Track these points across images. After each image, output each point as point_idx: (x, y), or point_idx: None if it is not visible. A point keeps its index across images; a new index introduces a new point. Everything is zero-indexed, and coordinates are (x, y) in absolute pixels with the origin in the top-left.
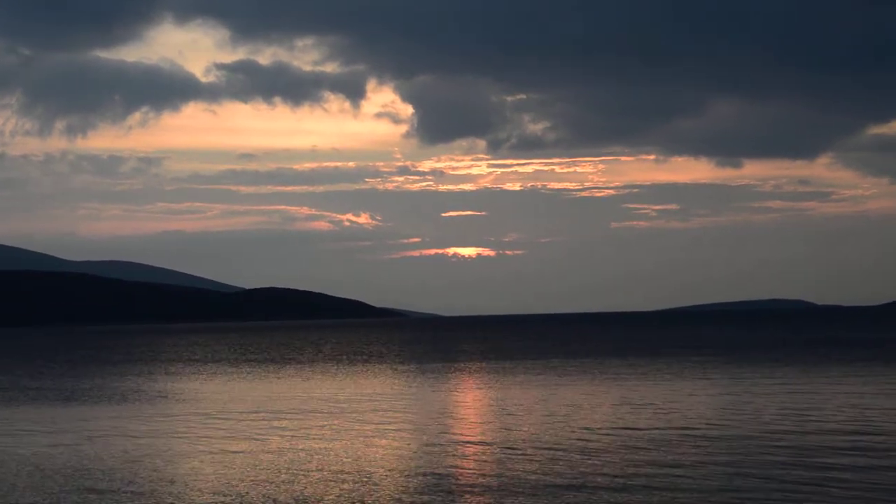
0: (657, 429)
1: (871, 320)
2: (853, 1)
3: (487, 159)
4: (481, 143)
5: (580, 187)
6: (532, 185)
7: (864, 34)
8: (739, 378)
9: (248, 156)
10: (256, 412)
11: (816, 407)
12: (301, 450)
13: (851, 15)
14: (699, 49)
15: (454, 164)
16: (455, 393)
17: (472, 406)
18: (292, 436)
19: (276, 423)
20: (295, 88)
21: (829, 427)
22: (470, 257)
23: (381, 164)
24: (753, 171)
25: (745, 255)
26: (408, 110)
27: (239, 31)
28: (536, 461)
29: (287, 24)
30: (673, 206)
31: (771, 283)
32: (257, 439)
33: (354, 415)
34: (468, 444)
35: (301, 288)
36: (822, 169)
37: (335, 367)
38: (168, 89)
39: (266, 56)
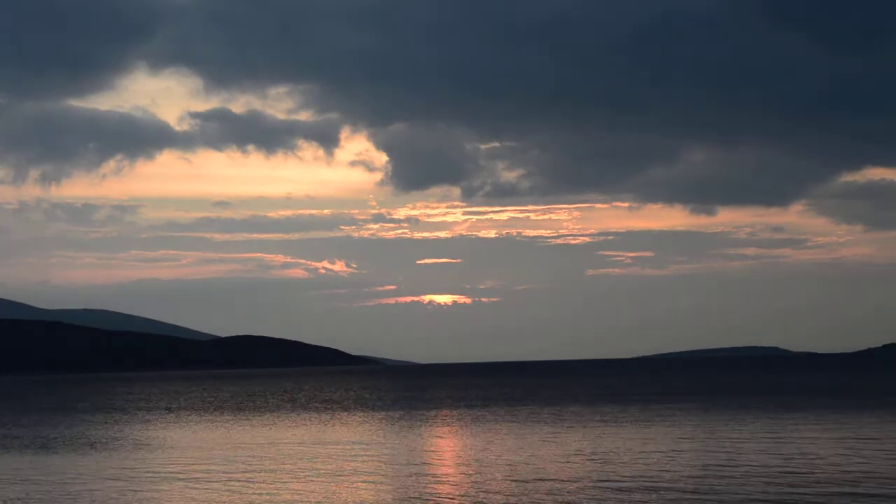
0: (615, 480)
1: (845, 368)
2: (826, 49)
3: (462, 207)
4: (456, 191)
5: (555, 234)
6: (507, 233)
7: (836, 82)
8: (705, 426)
9: (222, 203)
10: (228, 459)
11: (761, 452)
12: (272, 496)
13: (824, 63)
14: (673, 96)
15: (429, 211)
16: (426, 440)
17: (442, 454)
18: (263, 482)
19: (247, 470)
20: (269, 136)
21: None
22: (446, 305)
23: (356, 211)
24: (728, 218)
25: (720, 302)
26: (382, 158)
27: (212, 80)
28: None
29: (260, 72)
30: (648, 254)
31: (745, 330)
32: (228, 487)
33: (326, 461)
34: (436, 493)
35: (276, 336)
36: (795, 216)
37: (308, 415)
38: (142, 137)
39: (239, 104)
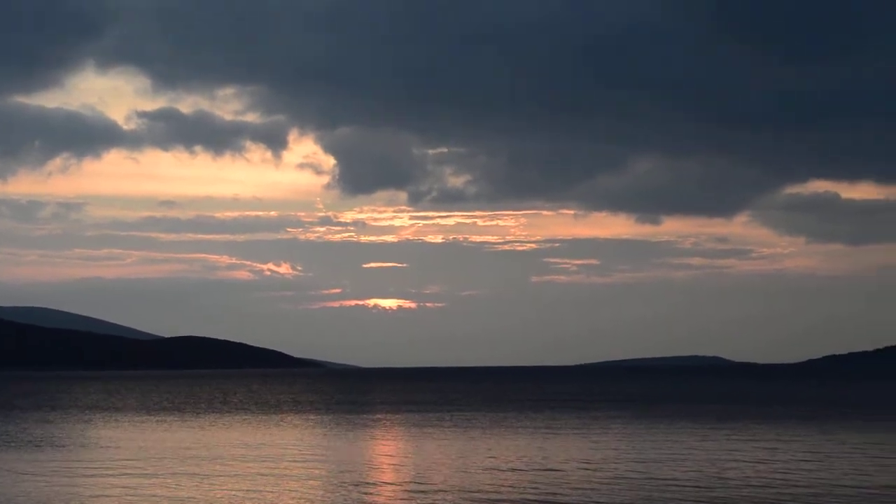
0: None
1: (786, 378)
2: (773, 60)
3: (409, 211)
4: (403, 196)
5: (501, 241)
6: (454, 238)
7: (782, 93)
8: (636, 433)
9: (168, 203)
10: (166, 459)
11: (679, 457)
12: (209, 495)
13: (771, 74)
14: (621, 106)
15: (376, 215)
16: (361, 444)
17: (377, 458)
18: (201, 482)
19: (185, 470)
20: (216, 137)
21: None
22: (390, 309)
23: (303, 214)
24: (673, 227)
25: (664, 311)
26: (330, 161)
27: (160, 80)
28: None
29: (208, 72)
30: (593, 261)
31: (688, 339)
32: (167, 486)
33: (261, 463)
34: (366, 498)
35: (220, 337)
36: (740, 227)
37: (245, 417)
38: (89, 136)
39: (187, 104)
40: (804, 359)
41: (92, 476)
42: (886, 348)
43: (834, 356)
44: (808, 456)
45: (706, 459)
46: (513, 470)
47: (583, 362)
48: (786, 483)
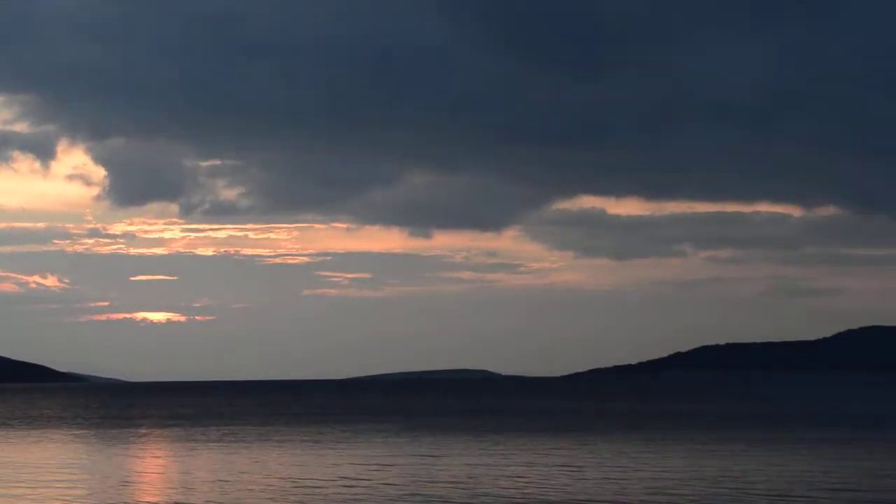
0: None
1: (550, 391)
2: (547, 79)
3: (181, 224)
4: (174, 208)
5: (273, 254)
6: (225, 251)
7: (552, 109)
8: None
9: None
10: None
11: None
12: None
13: (545, 92)
14: (395, 120)
15: (146, 227)
16: (127, 458)
17: (143, 472)
18: None
19: None
20: None
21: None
22: (159, 322)
23: (72, 225)
24: (444, 241)
25: (435, 324)
26: (100, 172)
27: None
28: None
29: None
30: (365, 275)
31: (458, 352)
32: None
33: (20, 481)
34: None
35: None
36: (509, 241)
37: (4, 432)
38: None
39: None
40: (570, 372)
41: None
42: (649, 361)
43: (598, 370)
44: (563, 469)
45: (467, 474)
46: (273, 484)
47: (354, 375)
48: (541, 497)
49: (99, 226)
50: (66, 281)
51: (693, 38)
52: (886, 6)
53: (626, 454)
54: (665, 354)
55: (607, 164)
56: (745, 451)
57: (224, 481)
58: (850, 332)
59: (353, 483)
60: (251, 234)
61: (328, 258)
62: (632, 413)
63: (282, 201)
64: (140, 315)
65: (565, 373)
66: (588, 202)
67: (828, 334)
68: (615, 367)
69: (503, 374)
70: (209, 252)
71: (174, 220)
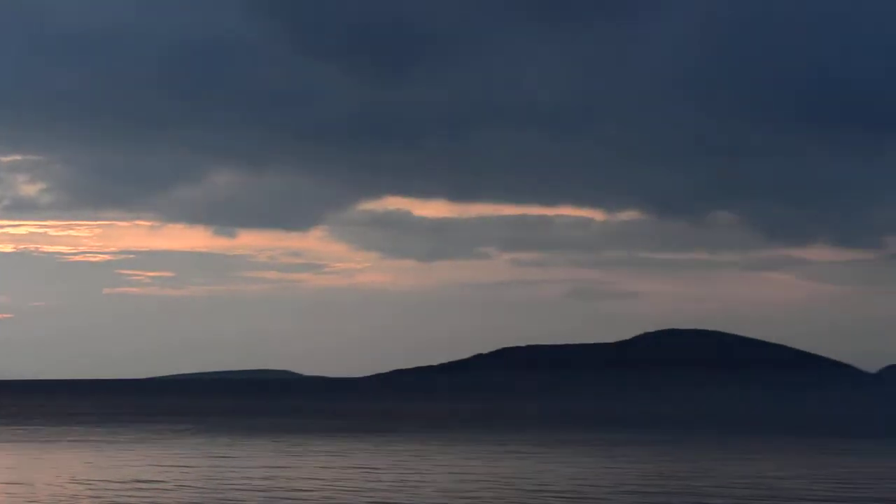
0: None
1: (353, 392)
2: (354, 80)
3: None
4: None
5: (74, 251)
6: (24, 248)
7: (362, 112)
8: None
9: None
10: None
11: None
12: None
13: (351, 93)
14: (203, 118)
15: None
16: None
17: None
18: None
19: None
20: None
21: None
22: None
23: None
24: (248, 241)
25: (237, 324)
26: None
27: None
28: None
29: None
30: (168, 274)
31: (261, 352)
32: None
33: None
34: None
35: None
36: (314, 241)
37: None
38: None
39: None
40: (373, 373)
41: None
42: (451, 363)
43: (401, 370)
44: (359, 470)
45: (263, 475)
46: (65, 487)
47: (154, 375)
48: (335, 500)
49: None
50: None
51: (499, 41)
52: (688, 14)
53: (424, 456)
54: (467, 356)
55: (413, 165)
56: (543, 451)
57: (13, 484)
58: (647, 334)
59: (148, 485)
60: (51, 231)
61: (131, 256)
62: (431, 414)
63: (84, 198)
64: None
65: (368, 373)
66: (394, 203)
67: (627, 336)
68: (417, 368)
69: (306, 374)
70: (8, 249)
71: None
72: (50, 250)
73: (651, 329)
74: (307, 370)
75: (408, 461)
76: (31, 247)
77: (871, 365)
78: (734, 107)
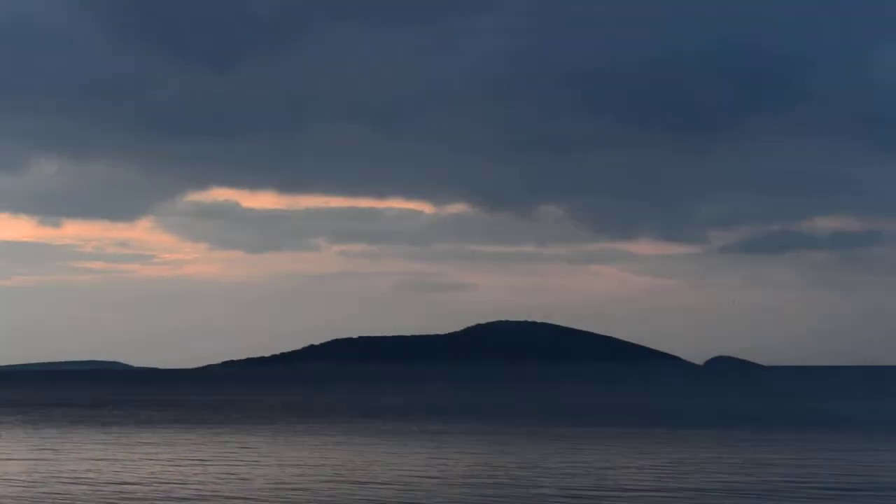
0: None
1: (184, 383)
2: (180, 69)
3: None
4: None
5: None
6: None
7: (188, 102)
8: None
9: None
10: None
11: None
12: None
13: (178, 83)
14: (24, 106)
15: None
16: None
17: None
18: None
19: None
20: None
21: None
22: None
23: None
24: (74, 231)
25: (65, 315)
26: None
27: None
28: None
29: None
30: None
31: (90, 343)
32: None
33: None
34: None
35: None
36: (142, 232)
37: None
38: None
39: None
40: (204, 364)
41: None
42: (283, 354)
43: (232, 361)
44: (188, 462)
45: (88, 468)
46: None
47: None
48: (156, 493)
49: None
50: None
51: (331, 34)
52: (518, 9)
53: (252, 447)
54: (299, 347)
55: (242, 157)
56: (372, 442)
57: None
58: (478, 325)
59: None
60: None
61: None
62: (262, 405)
63: None
64: None
65: (199, 364)
66: (222, 195)
67: (458, 328)
68: (248, 359)
69: (135, 365)
70: None
71: None
72: None
73: (482, 321)
74: (137, 361)
75: (236, 452)
76: None
77: (698, 357)
78: (563, 101)
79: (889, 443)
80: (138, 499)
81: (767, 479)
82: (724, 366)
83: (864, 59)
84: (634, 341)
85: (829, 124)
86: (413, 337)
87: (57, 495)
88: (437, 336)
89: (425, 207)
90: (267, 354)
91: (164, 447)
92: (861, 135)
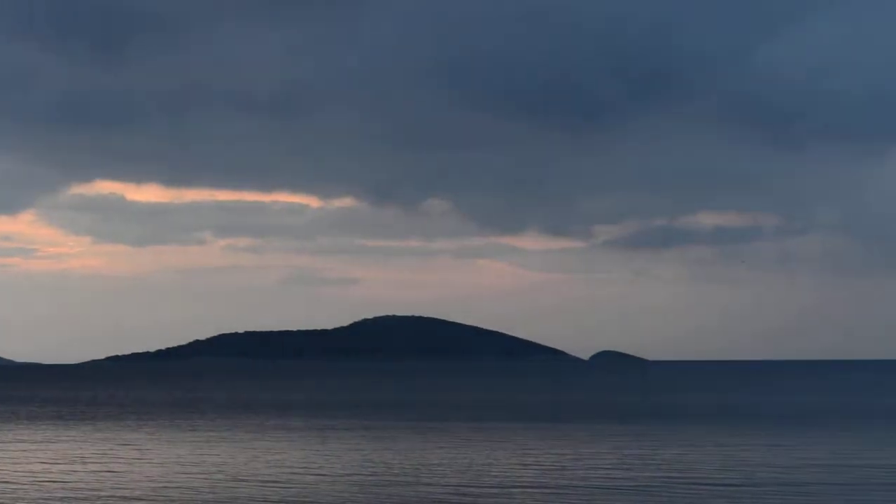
0: None
1: (67, 378)
2: (64, 61)
3: None
4: None
5: None
6: None
7: (72, 94)
8: None
9: None
10: None
11: None
12: None
13: (62, 75)
14: None
15: None
16: None
17: None
18: None
19: None
20: None
21: None
22: None
23: None
24: None
25: None
26: None
27: None
28: None
29: None
30: None
31: None
32: None
33: None
34: None
35: None
36: (25, 225)
37: None
38: None
39: None
40: (88, 359)
41: None
42: (168, 349)
43: (117, 356)
44: (66, 460)
45: None
46: None
47: None
48: (24, 492)
49: None
50: None
51: (216, 27)
52: (416, 3)
53: (133, 444)
54: (184, 342)
55: (126, 150)
56: (254, 439)
57: None
58: (366, 320)
59: None
60: None
61: None
62: (144, 402)
63: None
64: None
65: (83, 360)
66: (106, 187)
67: (345, 323)
68: (134, 354)
69: (18, 361)
70: None
71: None
72: None
73: (369, 316)
74: (20, 356)
75: (116, 449)
76: None
77: (584, 352)
78: (449, 96)
79: (766, 437)
80: (18, 498)
81: (647, 475)
82: (609, 360)
83: (749, 55)
84: (521, 336)
85: (714, 121)
86: (299, 332)
87: None
88: (323, 331)
89: (312, 201)
90: (152, 349)
91: (42, 444)
92: (746, 131)
